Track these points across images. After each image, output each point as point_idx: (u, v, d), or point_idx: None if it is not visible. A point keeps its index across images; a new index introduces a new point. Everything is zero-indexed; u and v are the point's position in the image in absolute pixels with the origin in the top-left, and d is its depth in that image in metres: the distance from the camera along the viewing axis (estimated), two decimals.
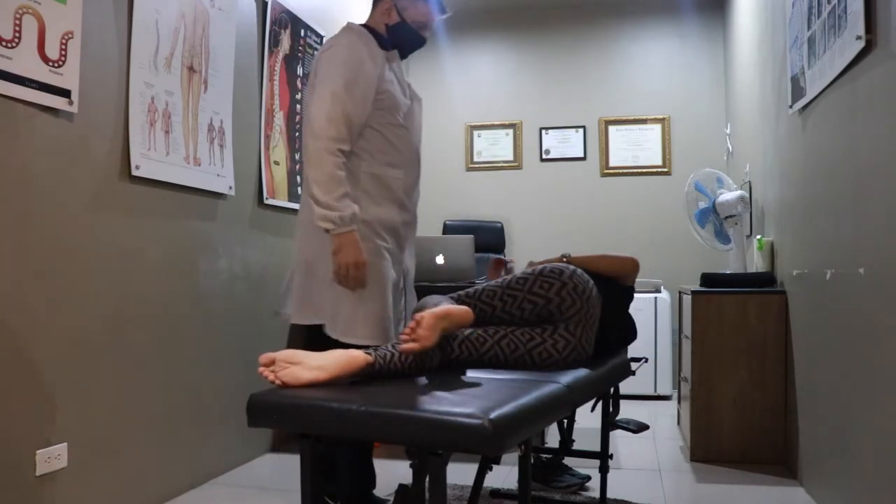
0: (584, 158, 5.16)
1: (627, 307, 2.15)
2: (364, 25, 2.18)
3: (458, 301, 1.84)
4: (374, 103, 2.07)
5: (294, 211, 3.45)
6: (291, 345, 3.38)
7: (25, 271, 1.96)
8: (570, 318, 1.80)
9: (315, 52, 3.67)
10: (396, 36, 2.16)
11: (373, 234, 2.09)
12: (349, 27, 2.15)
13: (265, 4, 3.20)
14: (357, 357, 1.51)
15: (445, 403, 1.30)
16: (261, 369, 1.48)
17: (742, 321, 2.97)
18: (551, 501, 2.46)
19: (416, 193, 2.26)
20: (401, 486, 2.29)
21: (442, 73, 5.41)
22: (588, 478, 2.66)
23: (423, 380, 1.57)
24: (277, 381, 1.45)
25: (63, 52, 2.04)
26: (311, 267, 2.12)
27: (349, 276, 1.98)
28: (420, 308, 1.81)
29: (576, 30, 5.20)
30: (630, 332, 2.16)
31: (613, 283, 2.07)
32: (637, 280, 4.88)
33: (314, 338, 2.08)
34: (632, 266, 2.10)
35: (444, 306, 1.63)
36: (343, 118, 1.98)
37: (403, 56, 2.24)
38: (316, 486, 1.46)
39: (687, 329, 3.22)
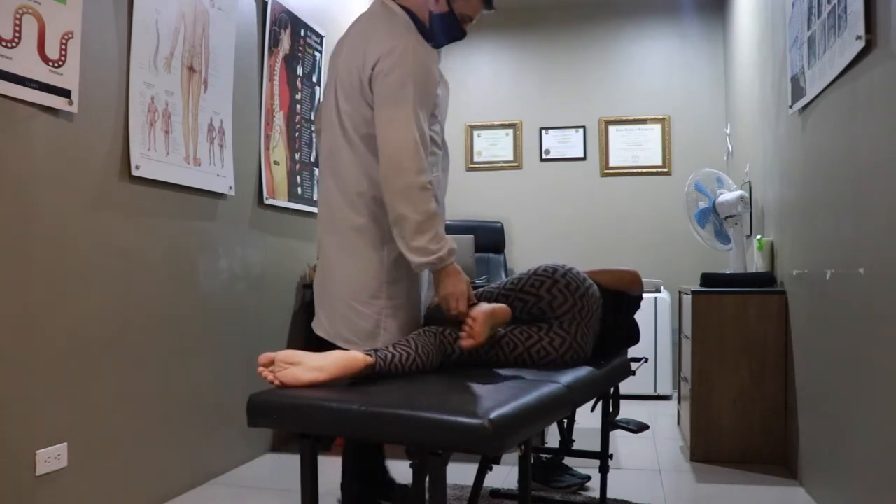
0: (584, 158, 5.16)
1: (633, 313, 2.15)
2: (402, 7, 1.98)
3: None
4: None
5: (294, 211, 3.45)
6: (292, 345, 3.39)
7: (25, 271, 1.96)
8: (564, 315, 1.81)
9: (315, 53, 3.67)
10: (440, 26, 1.99)
11: None
12: (389, 9, 1.95)
13: (265, 4, 3.20)
14: (357, 358, 1.51)
15: (445, 403, 1.30)
16: (260, 369, 1.47)
17: (742, 321, 2.97)
18: (551, 501, 2.46)
19: (445, 184, 2.11)
20: (401, 485, 2.29)
21: (441, 72, 5.41)
22: (588, 478, 2.66)
23: (422, 380, 1.57)
24: (276, 382, 1.45)
25: (63, 52, 2.04)
26: (330, 276, 1.97)
27: (452, 307, 1.83)
28: (432, 316, 1.84)
29: (576, 30, 5.20)
30: (634, 335, 2.16)
31: (622, 291, 2.07)
32: None
33: (315, 338, 2.05)
34: (629, 279, 2.09)
35: (489, 304, 1.67)
36: (424, 143, 1.81)
37: (438, 47, 2.07)
38: (315, 486, 1.46)
39: (687, 329, 3.22)
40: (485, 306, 1.66)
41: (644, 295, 4.41)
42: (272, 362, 1.47)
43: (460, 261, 3.08)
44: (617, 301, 2.02)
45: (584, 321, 1.83)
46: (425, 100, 1.84)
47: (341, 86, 1.92)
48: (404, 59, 1.82)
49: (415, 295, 1.97)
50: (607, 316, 1.96)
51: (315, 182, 3.69)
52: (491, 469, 2.24)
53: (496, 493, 2.48)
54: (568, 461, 2.74)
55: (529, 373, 1.68)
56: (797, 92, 2.65)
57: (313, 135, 3.68)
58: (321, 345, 1.90)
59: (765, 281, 3.09)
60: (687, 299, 3.23)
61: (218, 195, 2.84)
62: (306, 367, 1.46)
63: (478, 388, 1.47)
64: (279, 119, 3.33)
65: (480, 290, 1.92)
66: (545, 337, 1.78)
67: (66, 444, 2.08)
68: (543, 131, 5.21)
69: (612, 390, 2.17)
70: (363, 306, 1.89)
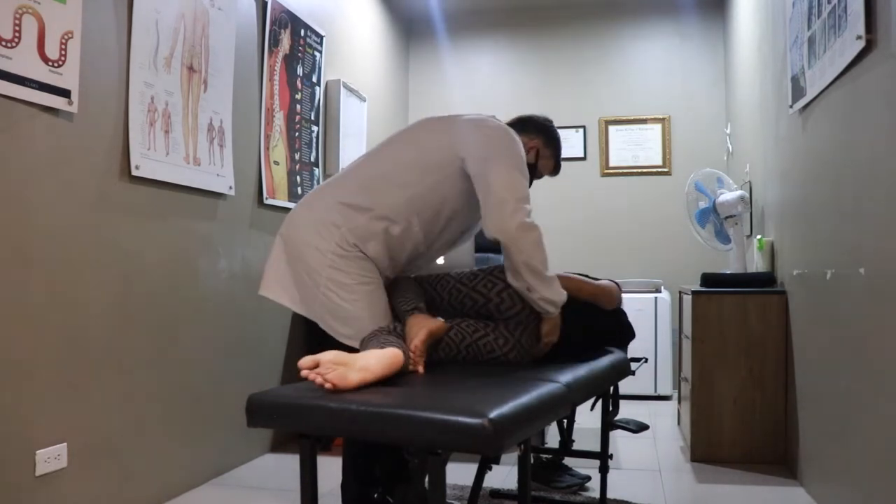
0: (584, 158, 5.16)
1: (616, 317, 2.15)
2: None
3: (418, 284, 1.91)
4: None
5: None
6: (292, 345, 3.39)
7: (25, 271, 1.96)
8: (510, 318, 1.84)
9: (315, 53, 3.67)
10: None
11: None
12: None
13: (265, 4, 3.20)
14: (398, 356, 1.51)
15: (445, 403, 1.30)
16: (304, 373, 1.41)
17: (742, 321, 2.97)
18: (551, 501, 2.46)
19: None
20: (401, 485, 2.29)
21: (442, 72, 5.41)
22: (588, 478, 2.66)
23: (422, 380, 1.57)
24: (327, 385, 1.39)
25: (63, 52, 2.04)
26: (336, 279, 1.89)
27: (550, 345, 1.92)
28: (392, 290, 1.86)
29: (576, 30, 5.20)
30: (627, 334, 2.17)
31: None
32: (637, 280, 4.86)
33: (316, 339, 2.04)
34: (603, 297, 2.07)
35: (424, 329, 1.66)
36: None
37: None
38: (315, 486, 1.46)
39: (687, 329, 3.22)
40: (421, 332, 1.65)
41: (644, 295, 4.45)
42: (317, 364, 1.41)
43: (460, 260, 3.09)
44: (592, 307, 2.03)
45: (529, 326, 1.84)
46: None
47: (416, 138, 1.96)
48: (516, 140, 1.92)
49: (351, 300, 1.86)
50: (579, 318, 1.97)
51: (315, 182, 3.69)
52: (491, 469, 2.24)
53: (496, 493, 2.48)
54: (568, 461, 2.74)
55: (528, 372, 1.68)
56: (797, 92, 2.65)
57: (311, 132, 3.69)
58: (322, 346, 1.89)
59: (765, 281, 3.09)
60: (687, 299, 3.23)
61: (218, 195, 2.84)
62: (353, 367, 1.43)
63: (477, 388, 1.47)
64: (279, 119, 3.34)
65: (439, 275, 1.92)
66: (491, 334, 1.81)
67: (65, 444, 2.08)
68: None
69: (611, 390, 2.17)
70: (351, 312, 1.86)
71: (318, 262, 1.84)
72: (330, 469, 2.24)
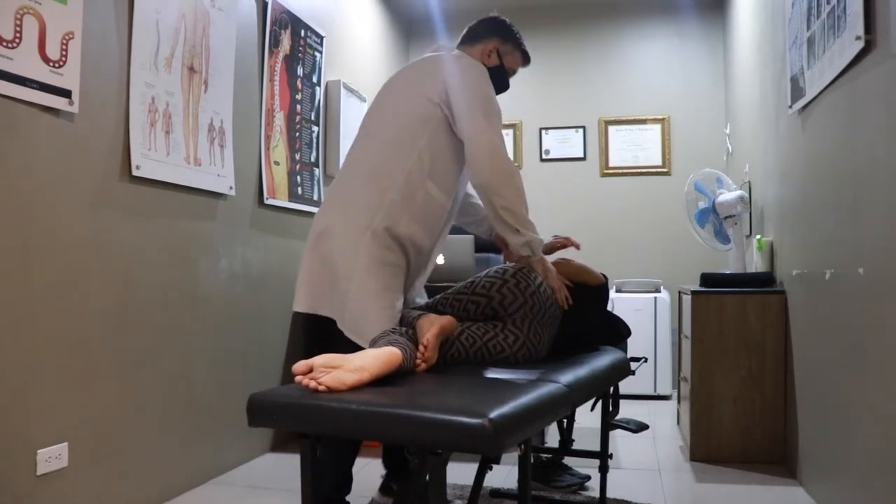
0: (583, 158, 5.16)
1: (604, 305, 2.17)
2: None
3: (421, 311, 1.92)
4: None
5: (294, 211, 3.45)
6: (292, 346, 3.39)
7: (25, 271, 1.96)
8: (516, 313, 1.85)
9: (315, 53, 3.68)
10: (492, 78, 2.14)
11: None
12: (462, 54, 2.16)
13: (265, 5, 3.20)
14: (395, 355, 1.51)
15: (445, 403, 1.30)
16: (298, 378, 1.40)
17: (742, 321, 2.97)
18: (551, 501, 2.47)
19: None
20: (400, 486, 2.30)
21: None
22: (588, 477, 2.66)
23: (422, 380, 1.57)
24: (321, 388, 1.38)
25: (64, 53, 2.04)
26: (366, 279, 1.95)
27: (563, 291, 1.96)
28: (403, 318, 1.88)
29: (576, 30, 5.20)
30: (623, 330, 2.17)
31: (582, 285, 2.09)
32: (637, 280, 4.86)
33: (316, 339, 2.06)
34: (587, 270, 2.13)
35: (436, 325, 1.69)
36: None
37: None
38: (316, 486, 1.46)
39: (687, 329, 3.22)
40: (433, 328, 1.67)
41: (644, 295, 4.45)
42: (311, 369, 1.41)
43: (460, 261, 3.09)
44: (578, 295, 2.04)
45: (535, 319, 1.86)
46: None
47: (393, 103, 2.04)
48: (485, 75, 2.02)
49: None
50: (577, 312, 1.98)
51: (315, 182, 3.70)
52: (491, 469, 2.25)
53: (496, 493, 2.48)
54: (568, 461, 2.75)
55: (529, 372, 1.68)
56: (797, 92, 2.65)
57: (312, 132, 3.69)
58: (321, 346, 1.90)
59: (764, 281, 3.10)
60: (687, 299, 3.24)
61: (218, 195, 2.84)
62: (347, 368, 1.42)
63: (478, 388, 1.47)
64: (279, 119, 3.34)
65: (438, 296, 1.96)
66: (500, 334, 1.83)
67: (66, 443, 2.09)
68: (543, 131, 5.21)
69: (611, 390, 2.17)
70: (359, 308, 1.91)
71: (348, 269, 1.92)
72: None
